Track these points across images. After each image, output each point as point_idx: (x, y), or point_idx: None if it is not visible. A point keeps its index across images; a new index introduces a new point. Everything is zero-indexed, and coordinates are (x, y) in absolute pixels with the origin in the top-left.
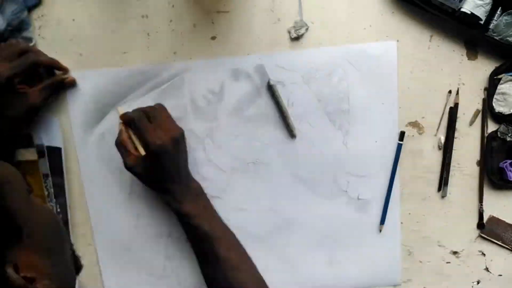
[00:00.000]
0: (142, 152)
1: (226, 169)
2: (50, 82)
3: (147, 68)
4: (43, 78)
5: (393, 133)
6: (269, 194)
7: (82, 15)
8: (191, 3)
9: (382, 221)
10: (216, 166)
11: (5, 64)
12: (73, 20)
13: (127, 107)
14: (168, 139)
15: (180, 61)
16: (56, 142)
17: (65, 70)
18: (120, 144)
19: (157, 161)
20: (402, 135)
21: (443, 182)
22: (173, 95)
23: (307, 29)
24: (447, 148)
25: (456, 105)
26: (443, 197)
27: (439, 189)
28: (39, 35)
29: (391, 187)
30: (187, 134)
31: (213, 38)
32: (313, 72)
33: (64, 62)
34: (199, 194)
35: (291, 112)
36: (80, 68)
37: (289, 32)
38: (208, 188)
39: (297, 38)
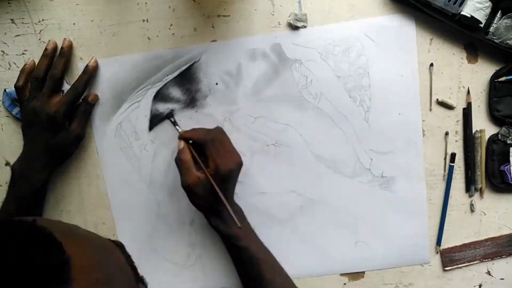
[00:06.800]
0: (206, 173)
1: (246, 153)
2: (83, 110)
3: (163, 52)
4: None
5: (415, 106)
6: (291, 175)
7: (82, 19)
8: (191, 7)
9: (439, 243)
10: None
11: (53, 99)
12: (74, 24)
13: (145, 92)
14: (235, 164)
15: (197, 44)
16: None
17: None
18: (181, 162)
19: (222, 184)
20: (453, 157)
21: (469, 182)
22: (190, 79)
23: (304, 26)
24: (467, 148)
25: (469, 104)
26: (470, 196)
27: (466, 190)
28: (39, 39)
29: (445, 210)
30: (206, 119)
31: (214, 42)
32: (330, 48)
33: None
34: (243, 217)
35: (310, 90)
36: (79, 72)
37: (290, 24)
38: None
39: (297, 28)
